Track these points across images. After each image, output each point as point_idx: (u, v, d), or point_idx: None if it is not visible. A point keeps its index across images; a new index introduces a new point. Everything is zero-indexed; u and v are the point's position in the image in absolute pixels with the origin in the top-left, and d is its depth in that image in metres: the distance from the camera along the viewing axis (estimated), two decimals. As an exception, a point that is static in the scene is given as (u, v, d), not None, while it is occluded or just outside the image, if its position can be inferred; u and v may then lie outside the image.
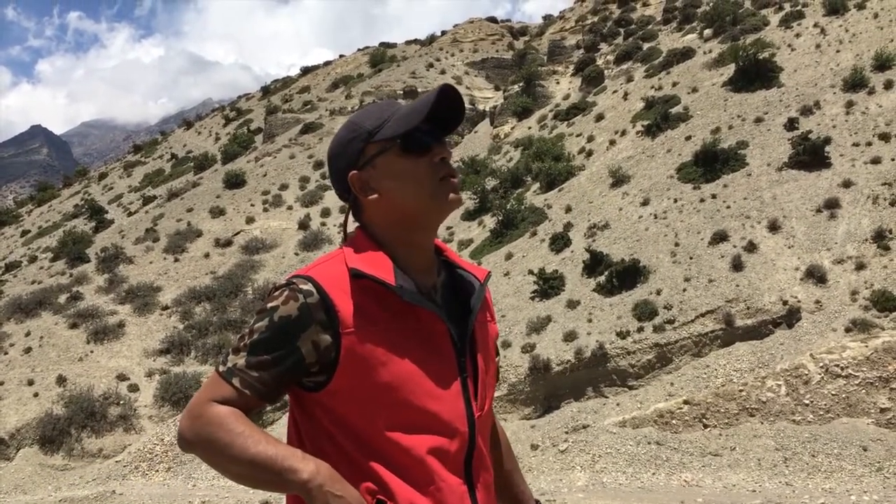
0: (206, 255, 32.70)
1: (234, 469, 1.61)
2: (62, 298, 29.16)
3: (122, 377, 23.63)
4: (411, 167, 1.75)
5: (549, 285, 21.14)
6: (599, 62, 45.57)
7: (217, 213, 36.91)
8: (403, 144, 1.74)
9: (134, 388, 23.09)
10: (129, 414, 21.97)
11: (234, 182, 40.71)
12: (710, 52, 35.24)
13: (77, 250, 34.67)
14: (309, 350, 1.65)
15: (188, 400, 21.98)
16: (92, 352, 25.23)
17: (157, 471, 18.95)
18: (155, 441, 20.07)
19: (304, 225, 34.49)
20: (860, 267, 17.49)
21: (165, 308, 28.25)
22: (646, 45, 43.67)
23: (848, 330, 15.83)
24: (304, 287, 1.67)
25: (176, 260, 32.63)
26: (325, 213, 35.57)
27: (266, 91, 74.89)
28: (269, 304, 1.68)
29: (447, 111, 1.78)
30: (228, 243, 33.68)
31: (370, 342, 1.66)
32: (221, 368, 1.68)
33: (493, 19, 73.10)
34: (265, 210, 37.05)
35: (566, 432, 15.91)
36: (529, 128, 40.31)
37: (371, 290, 1.69)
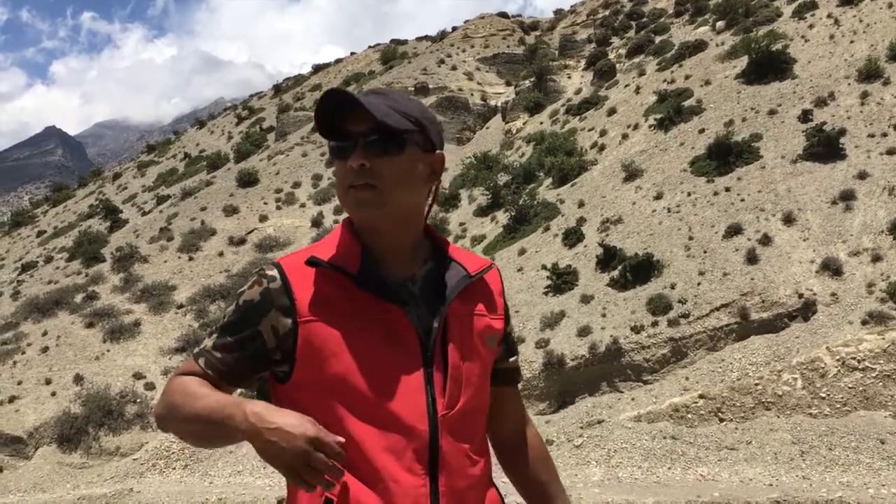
0: (220, 254, 32.86)
1: (190, 428, 1.64)
2: (78, 298, 29.38)
3: (138, 375, 23.79)
4: (338, 169, 1.72)
5: (562, 280, 21.10)
6: (611, 56, 45.42)
7: (230, 211, 37.07)
8: (329, 149, 1.75)
9: (150, 387, 23.24)
10: (146, 412, 22.11)
11: (247, 180, 40.86)
12: (723, 44, 35.03)
13: (92, 250, 34.93)
14: (269, 335, 1.67)
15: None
16: (108, 351, 25.41)
17: (175, 468, 19.05)
18: (172, 439, 20.17)
19: (317, 222, 34.60)
20: (876, 259, 17.37)
21: (180, 307, 28.41)
22: (658, 38, 43.48)
23: (864, 322, 15.72)
24: (269, 273, 1.70)
25: (190, 259, 32.80)
26: (338, 210, 35.62)
27: (278, 89, 75.04)
28: (240, 290, 1.72)
29: (345, 110, 1.70)
30: (242, 241, 33.83)
31: (326, 331, 1.65)
32: (195, 350, 1.74)
33: (503, 14, 72.88)
34: (278, 208, 37.18)
35: (581, 427, 15.89)
36: (541, 123, 40.22)
37: (334, 279, 1.68)
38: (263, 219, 35.82)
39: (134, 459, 19.87)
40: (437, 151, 1.78)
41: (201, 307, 27.95)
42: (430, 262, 1.83)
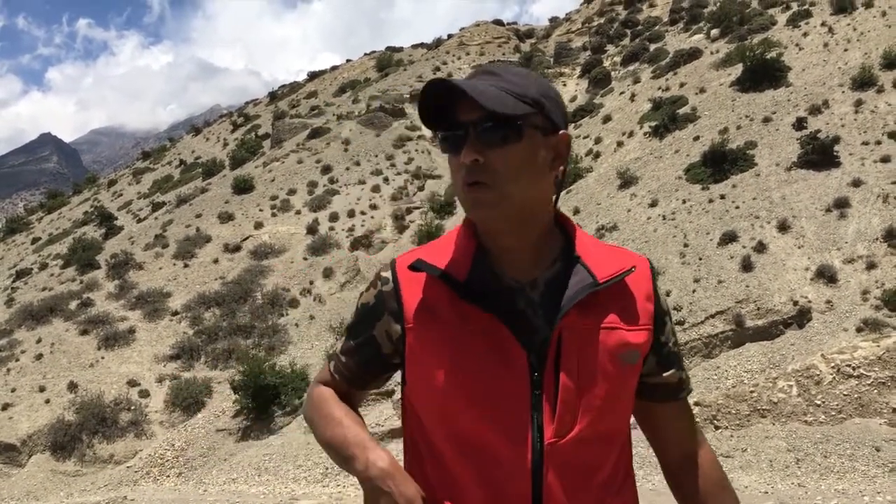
0: (215, 261, 32.78)
1: (324, 448, 1.63)
2: (73, 305, 29.28)
3: (132, 383, 23.69)
4: (450, 163, 1.54)
5: (557, 287, 21.07)
6: (606, 64, 45.55)
7: (226, 218, 37.01)
8: (440, 142, 1.56)
9: (145, 394, 23.15)
10: (140, 419, 22.03)
11: (243, 187, 40.81)
12: (718, 52, 35.15)
13: (87, 257, 34.81)
14: (384, 340, 1.61)
15: (198, 405, 21.72)
16: (103, 358, 25.31)
17: (168, 476, 18.98)
18: (166, 446, 20.11)
19: (312, 230, 34.54)
20: (871, 266, 17.40)
21: (175, 314, 28.33)
22: (652, 46, 43.62)
23: (859, 330, 15.74)
24: (384, 274, 1.62)
25: (185, 265, 32.72)
26: (334, 217, 35.61)
27: (273, 96, 75.09)
28: (362, 291, 1.67)
29: (452, 101, 1.50)
30: (237, 248, 33.75)
31: (429, 341, 1.53)
32: (331, 351, 1.76)
33: (499, 22, 73.10)
34: (273, 215, 37.12)
35: (576, 435, 15.86)
36: (537, 130, 40.22)
37: (441, 284, 1.53)
38: (259, 226, 35.76)
39: (128, 467, 19.79)
40: (561, 131, 1.58)
41: (196, 314, 27.86)
42: (560, 262, 1.59)
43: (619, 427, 1.59)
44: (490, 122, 1.45)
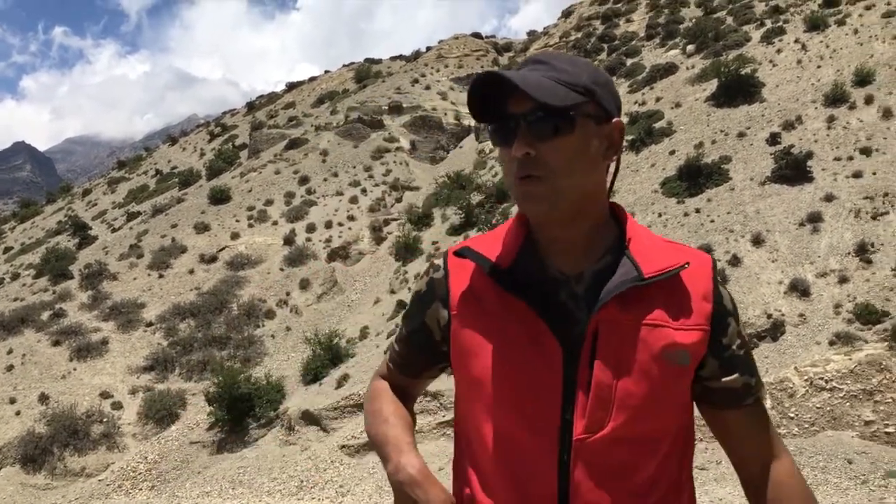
0: (191, 271, 32.53)
1: (371, 443, 1.63)
2: (45, 315, 28.90)
3: (105, 395, 23.41)
4: (501, 156, 1.52)
5: (534, 300, 21.11)
6: (583, 78, 45.82)
7: (202, 228, 36.75)
8: (490, 135, 1.54)
9: (117, 406, 22.88)
10: (113, 432, 21.75)
11: (219, 198, 40.57)
12: (693, 67, 35.53)
13: (60, 267, 34.40)
14: (435, 327, 1.61)
15: (172, 417, 21.46)
16: (75, 369, 24.99)
17: (141, 489, 18.74)
18: (138, 459, 19.87)
19: (289, 240, 34.40)
20: (843, 280, 17.60)
21: (149, 324, 28.05)
22: (629, 61, 44.01)
23: (832, 343, 15.90)
24: (437, 262, 1.64)
25: (160, 276, 32.43)
26: (311, 228, 35.50)
27: (251, 107, 74.79)
28: (416, 280, 1.71)
29: (502, 93, 1.46)
30: (213, 259, 33.53)
31: (470, 330, 1.52)
32: (392, 338, 1.76)
33: (477, 35, 73.35)
34: (250, 226, 36.93)
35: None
36: (514, 143, 40.36)
37: (488, 273, 1.52)
38: (235, 236, 35.55)
39: (99, 480, 19.53)
40: (615, 119, 1.52)
41: (171, 325, 27.62)
42: (610, 255, 1.55)
43: (662, 429, 1.51)
44: (541, 113, 1.42)
